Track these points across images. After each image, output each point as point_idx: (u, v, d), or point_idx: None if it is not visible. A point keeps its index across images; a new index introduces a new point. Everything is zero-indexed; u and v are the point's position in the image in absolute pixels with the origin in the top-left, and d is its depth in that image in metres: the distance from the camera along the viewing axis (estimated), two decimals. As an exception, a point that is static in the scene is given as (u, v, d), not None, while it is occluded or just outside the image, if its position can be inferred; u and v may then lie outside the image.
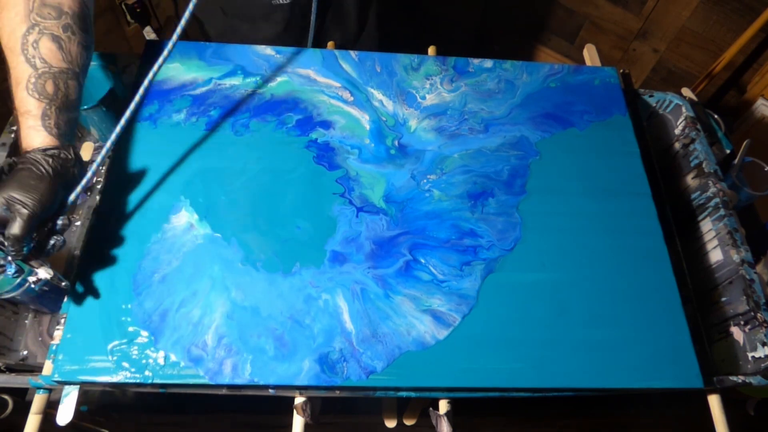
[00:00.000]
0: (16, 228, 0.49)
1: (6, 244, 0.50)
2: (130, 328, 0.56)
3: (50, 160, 0.53)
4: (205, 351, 0.56)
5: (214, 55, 0.76)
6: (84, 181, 0.56)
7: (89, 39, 0.60)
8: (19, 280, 0.60)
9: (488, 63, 0.81)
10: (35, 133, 0.54)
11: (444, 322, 0.60)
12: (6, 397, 0.70)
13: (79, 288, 0.58)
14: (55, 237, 0.54)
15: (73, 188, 0.56)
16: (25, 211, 0.49)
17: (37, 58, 0.55)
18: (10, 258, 0.51)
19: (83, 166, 0.57)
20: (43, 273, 0.55)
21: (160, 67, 0.58)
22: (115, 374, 0.54)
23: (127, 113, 0.58)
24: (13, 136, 0.71)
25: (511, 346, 0.60)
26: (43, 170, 0.52)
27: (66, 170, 0.54)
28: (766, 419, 0.82)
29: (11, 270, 0.54)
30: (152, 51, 0.75)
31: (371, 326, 0.59)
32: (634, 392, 0.62)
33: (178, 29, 0.57)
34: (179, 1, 1.54)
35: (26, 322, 0.70)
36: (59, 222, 0.54)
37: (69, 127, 0.57)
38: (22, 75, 0.55)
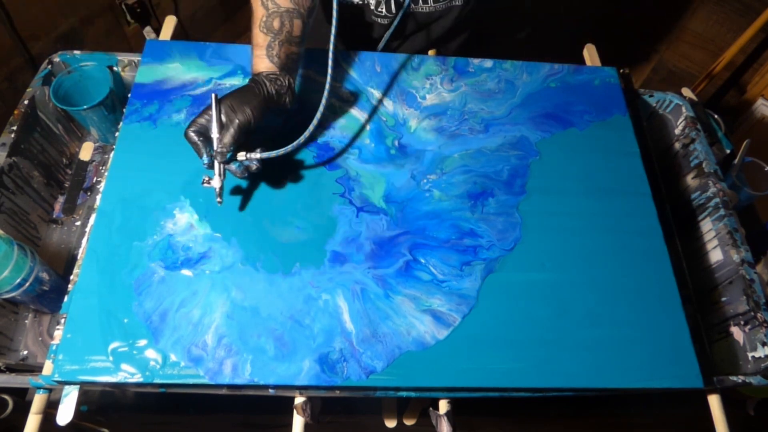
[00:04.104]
0: (227, 136, 0.58)
1: (217, 146, 0.58)
2: (130, 329, 0.56)
3: (268, 84, 0.61)
4: (205, 351, 0.56)
5: (214, 55, 0.76)
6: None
7: None
8: (19, 280, 0.60)
9: (488, 63, 0.81)
10: (260, 61, 0.63)
11: (444, 322, 0.60)
12: (6, 397, 0.70)
13: (79, 288, 0.58)
14: (249, 157, 0.60)
15: (282, 115, 0.66)
16: (236, 121, 0.58)
17: (269, 1, 0.64)
18: (216, 157, 0.59)
19: (295, 97, 0.65)
20: (216, 182, 0.59)
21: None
22: (115, 374, 0.54)
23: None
24: (13, 136, 0.71)
25: (511, 346, 0.60)
26: (261, 90, 0.61)
27: (279, 95, 0.62)
28: (766, 419, 0.82)
29: (206, 161, 0.59)
30: (152, 51, 0.75)
31: (371, 326, 0.59)
32: (634, 392, 0.62)
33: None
34: (179, 1, 1.54)
35: (26, 322, 0.70)
36: (257, 150, 0.60)
37: (290, 60, 0.65)
38: (257, 15, 0.64)
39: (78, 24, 1.31)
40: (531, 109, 0.77)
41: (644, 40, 1.76)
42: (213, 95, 0.59)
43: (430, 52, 0.85)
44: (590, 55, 0.88)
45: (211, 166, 0.59)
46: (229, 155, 0.59)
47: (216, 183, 0.59)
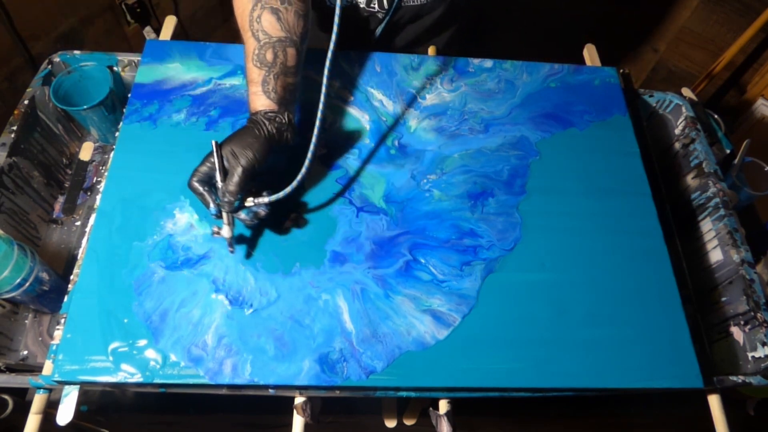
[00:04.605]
0: (231, 184, 0.56)
1: (223, 196, 0.56)
2: (130, 329, 0.56)
3: (267, 123, 0.59)
4: (205, 351, 0.56)
5: (214, 55, 0.76)
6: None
7: (305, 7, 0.65)
8: (19, 279, 0.60)
9: (488, 63, 0.81)
10: (257, 98, 0.60)
11: (444, 322, 0.60)
12: (6, 397, 0.70)
13: (79, 288, 0.58)
14: (257, 202, 0.58)
15: (286, 153, 0.62)
16: (240, 167, 0.56)
17: (259, 32, 0.61)
18: (223, 207, 0.57)
19: (297, 133, 0.62)
20: (226, 232, 0.57)
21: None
22: (115, 374, 0.54)
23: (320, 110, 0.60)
24: (13, 136, 0.71)
25: (511, 346, 0.60)
26: (261, 131, 0.58)
27: (280, 134, 0.60)
28: (766, 419, 0.82)
29: (213, 211, 0.57)
30: (152, 51, 0.75)
31: (371, 326, 0.59)
32: (634, 392, 0.62)
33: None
34: (179, 1, 1.54)
35: (26, 322, 0.70)
36: (264, 194, 0.59)
37: (287, 92, 0.62)
38: (249, 48, 0.61)
39: (78, 24, 1.31)
40: (531, 109, 0.77)
41: (644, 39, 1.76)
42: (213, 143, 0.57)
43: (430, 51, 0.85)
44: (590, 55, 0.88)
45: (219, 216, 0.57)
46: (236, 203, 0.57)
47: (226, 233, 0.57)
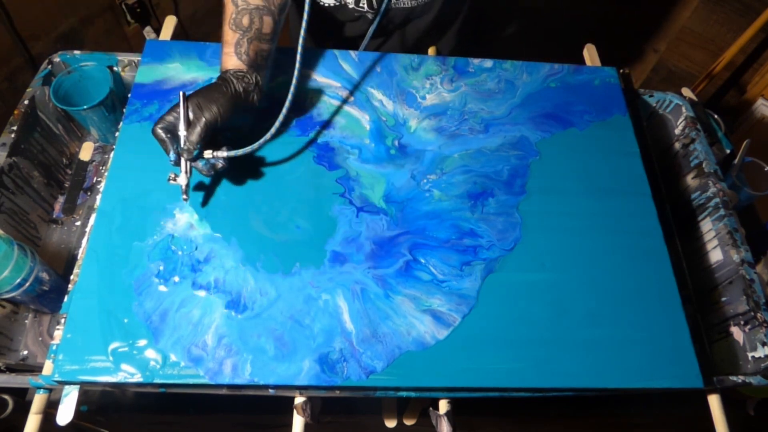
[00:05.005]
0: (194, 134, 0.58)
1: (184, 144, 0.58)
2: (130, 329, 0.56)
3: (235, 81, 0.61)
4: (205, 351, 0.56)
5: (214, 55, 0.76)
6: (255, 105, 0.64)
7: None
8: (19, 280, 0.60)
9: (488, 63, 0.81)
10: (228, 59, 0.63)
11: (444, 322, 0.60)
12: (6, 397, 0.70)
13: (79, 288, 0.58)
14: (216, 155, 0.60)
15: (251, 113, 0.65)
16: (203, 119, 0.58)
17: None
18: (182, 155, 0.59)
19: (263, 95, 0.65)
20: (183, 179, 0.60)
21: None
22: (115, 374, 0.54)
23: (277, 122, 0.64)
24: (13, 136, 0.71)
25: (511, 346, 0.60)
26: (228, 88, 0.61)
27: (247, 93, 0.62)
28: (766, 419, 0.82)
29: (173, 158, 0.59)
30: (152, 51, 0.75)
31: (371, 326, 0.59)
32: (634, 392, 0.62)
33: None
34: (179, 1, 1.54)
35: (26, 322, 0.70)
36: (224, 148, 0.61)
37: (259, 57, 0.65)
38: (227, 12, 0.64)
39: (78, 24, 1.31)
40: (531, 109, 0.77)
41: (644, 39, 1.76)
42: (181, 93, 0.60)
43: (430, 51, 0.85)
44: (590, 55, 0.88)
45: (177, 164, 0.60)
46: (195, 153, 0.59)
47: (182, 180, 0.60)
